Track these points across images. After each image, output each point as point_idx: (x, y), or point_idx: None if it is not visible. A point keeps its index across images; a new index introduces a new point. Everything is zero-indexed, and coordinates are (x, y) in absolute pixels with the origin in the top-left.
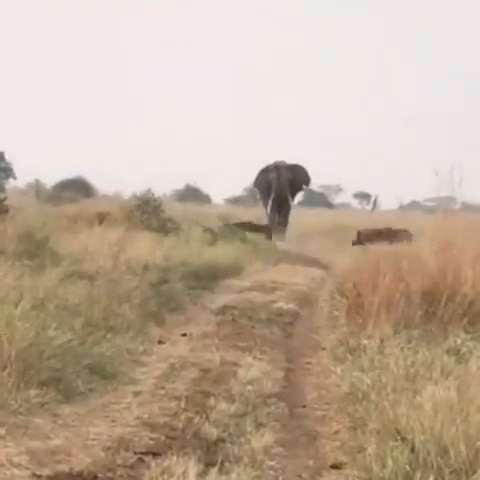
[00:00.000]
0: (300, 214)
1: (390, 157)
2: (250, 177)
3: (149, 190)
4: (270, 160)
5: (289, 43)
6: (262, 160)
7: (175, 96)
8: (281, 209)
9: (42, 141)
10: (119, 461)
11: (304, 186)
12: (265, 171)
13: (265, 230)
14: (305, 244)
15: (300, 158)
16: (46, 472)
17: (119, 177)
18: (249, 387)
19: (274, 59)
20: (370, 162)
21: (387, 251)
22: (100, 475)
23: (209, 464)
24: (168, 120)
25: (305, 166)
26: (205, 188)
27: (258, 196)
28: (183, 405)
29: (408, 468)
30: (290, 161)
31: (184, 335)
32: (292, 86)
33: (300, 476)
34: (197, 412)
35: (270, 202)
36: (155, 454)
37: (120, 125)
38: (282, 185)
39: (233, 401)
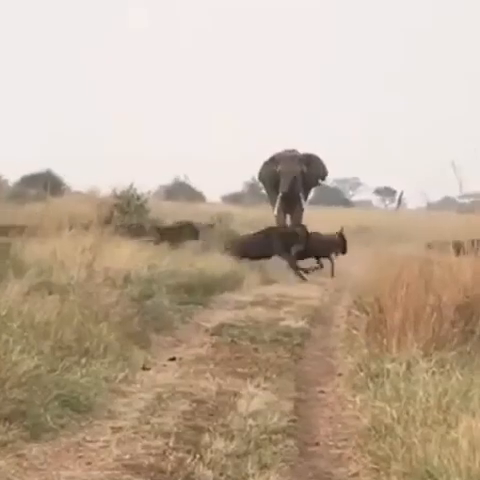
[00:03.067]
0: (310, 214)
1: (417, 145)
2: (251, 170)
3: (131, 186)
4: (276, 149)
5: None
6: (265, 150)
7: (159, 77)
8: (292, 210)
9: (3, 130)
10: None
11: (320, 181)
12: (272, 162)
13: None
14: None
15: (311, 147)
16: None
17: (95, 171)
18: (251, 421)
19: (281, 41)
20: (394, 151)
21: (414, 257)
22: None
23: None
24: (152, 105)
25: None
26: (198, 184)
27: (263, 191)
28: (172, 443)
29: None
30: (301, 150)
31: (173, 359)
32: (299, 67)
33: None
34: (189, 451)
35: (278, 201)
36: None
37: (96, 111)
38: (293, 180)
39: (232, 438)
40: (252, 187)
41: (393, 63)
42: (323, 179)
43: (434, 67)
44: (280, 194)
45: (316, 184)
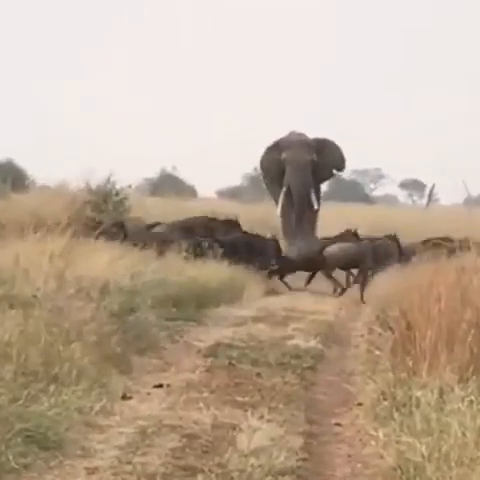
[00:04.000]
0: (322, 212)
1: (451, 131)
2: (252, 160)
3: (108, 180)
4: (281, 133)
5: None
6: (271, 136)
7: (144, 55)
8: (301, 215)
9: None
10: None
11: (335, 172)
12: (275, 148)
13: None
14: None
15: (323, 133)
16: None
17: (64, 162)
18: (253, 460)
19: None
20: (423, 138)
21: (446, 265)
22: None
23: None
24: (135, 86)
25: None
26: (188, 176)
27: (264, 185)
28: None
29: None
30: (312, 135)
31: (160, 386)
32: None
33: None
34: None
35: (282, 196)
36: None
37: (66, 92)
38: (302, 171)
39: None
40: (254, 180)
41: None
42: (340, 169)
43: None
44: (284, 188)
45: (329, 176)
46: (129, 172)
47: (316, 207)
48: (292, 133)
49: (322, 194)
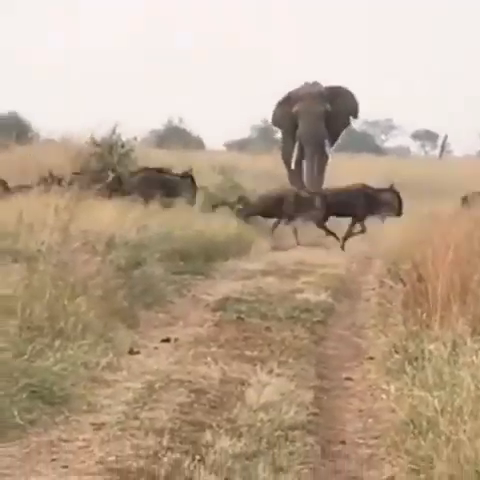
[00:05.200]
0: (334, 163)
1: (466, 81)
2: (262, 111)
3: (113, 131)
4: (293, 85)
5: None
6: (279, 88)
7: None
8: (312, 163)
9: None
10: None
11: (351, 118)
12: (287, 101)
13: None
14: None
15: (334, 82)
16: None
17: (69, 114)
18: (262, 415)
19: None
20: (436, 87)
21: (460, 215)
22: None
23: None
24: (137, 32)
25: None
26: (195, 128)
27: (278, 136)
28: (166, 442)
29: None
30: (326, 83)
31: (167, 341)
32: None
33: None
34: (187, 452)
35: (296, 150)
36: None
37: (69, 43)
38: (315, 123)
39: (239, 436)
40: (263, 132)
41: None
42: (355, 116)
43: None
44: (297, 142)
45: (346, 125)
46: (135, 124)
47: (329, 157)
48: (304, 84)
49: (333, 146)
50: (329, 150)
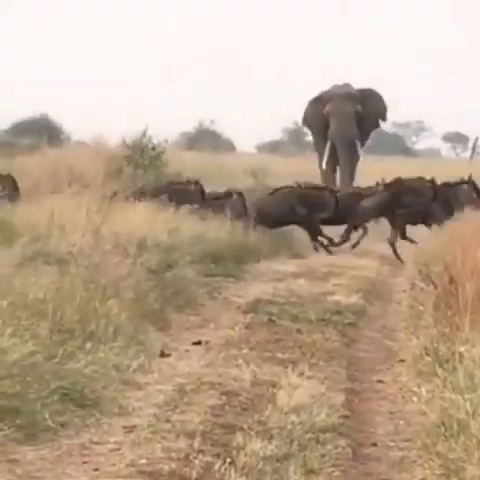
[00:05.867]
0: (363, 166)
1: None
2: (293, 113)
3: (144, 134)
4: (324, 85)
5: None
6: (310, 88)
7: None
8: (345, 162)
9: None
10: None
11: (381, 121)
12: (318, 101)
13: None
14: None
15: (363, 84)
16: None
17: (101, 117)
18: (293, 417)
19: None
20: (466, 90)
21: None
22: None
23: None
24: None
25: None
26: (226, 130)
27: (308, 139)
28: (197, 445)
29: None
30: (356, 85)
31: (198, 343)
32: None
33: None
34: (218, 455)
35: (327, 151)
36: None
37: (103, 45)
38: (346, 123)
39: (270, 438)
40: (294, 134)
41: None
42: (384, 119)
43: None
44: (329, 142)
45: (376, 126)
46: (166, 127)
47: (359, 155)
48: (335, 85)
49: (364, 147)
50: (360, 151)
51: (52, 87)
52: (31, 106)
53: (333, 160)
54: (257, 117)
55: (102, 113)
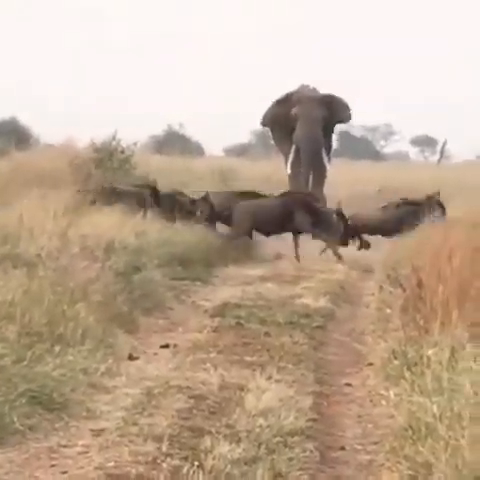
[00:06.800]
0: (332, 170)
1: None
2: (259, 116)
3: (113, 137)
4: (289, 87)
5: None
6: (274, 91)
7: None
8: (309, 166)
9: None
10: None
11: (341, 122)
12: (286, 102)
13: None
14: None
15: (330, 89)
16: None
17: (69, 120)
18: (261, 421)
19: None
20: (434, 94)
21: (460, 221)
22: None
23: None
24: (140, 48)
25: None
26: (195, 134)
27: (271, 141)
28: (165, 448)
29: None
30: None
31: (166, 347)
32: None
33: None
34: (186, 458)
35: (292, 154)
36: None
37: (72, 49)
38: (313, 129)
39: (238, 441)
40: (262, 137)
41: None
42: (345, 121)
43: None
44: (294, 146)
45: (333, 130)
46: (135, 131)
47: (328, 166)
48: (303, 87)
49: (332, 151)
50: (327, 159)
51: (21, 91)
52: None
53: (298, 163)
54: (225, 120)
55: (72, 115)
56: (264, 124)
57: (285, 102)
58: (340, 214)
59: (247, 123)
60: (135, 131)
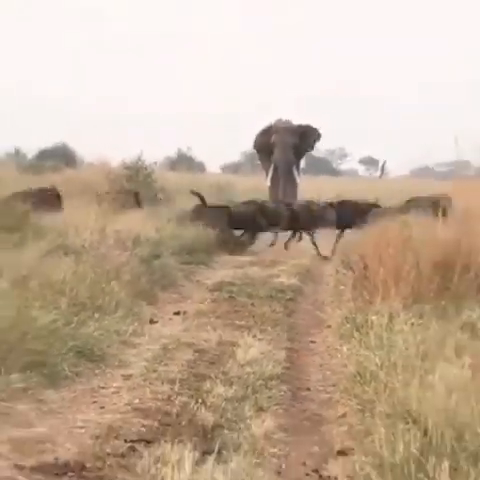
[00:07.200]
0: (301, 184)
1: (399, 119)
2: (248, 141)
3: (139, 158)
4: (270, 119)
5: None
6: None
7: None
8: (285, 184)
9: (21, 106)
10: (109, 450)
11: (309, 149)
12: (266, 132)
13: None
14: None
15: (300, 120)
16: (30, 462)
17: (106, 144)
18: (248, 369)
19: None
20: (377, 124)
21: (397, 219)
22: (88, 465)
23: (206, 452)
24: (153, 77)
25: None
26: (199, 155)
27: (258, 162)
28: (177, 389)
29: (420, 453)
30: (297, 121)
31: (177, 314)
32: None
33: (304, 464)
34: (192, 396)
35: (271, 171)
36: (147, 442)
37: (102, 91)
38: (286, 153)
39: (231, 384)
40: (250, 157)
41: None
42: (312, 148)
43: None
44: (272, 165)
45: (304, 154)
46: (154, 152)
47: (298, 181)
48: (279, 121)
49: (300, 169)
50: (297, 173)
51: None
52: (53, 136)
53: (276, 178)
54: (222, 144)
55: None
56: (254, 148)
57: (267, 132)
58: (290, 209)
59: (240, 145)
60: (153, 151)
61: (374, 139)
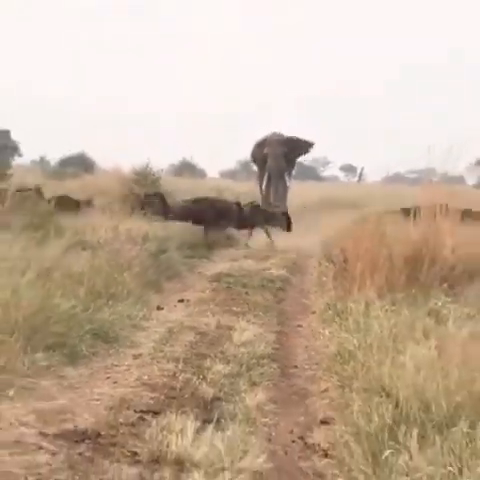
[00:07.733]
0: (291, 188)
1: (377, 129)
2: (243, 149)
3: (147, 165)
4: (265, 131)
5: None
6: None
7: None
8: (277, 188)
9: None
10: (121, 419)
11: (300, 156)
12: (261, 145)
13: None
14: (300, 217)
15: (288, 130)
16: (52, 430)
17: (119, 152)
18: (243, 349)
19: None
20: (356, 133)
21: (371, 219)
22: (103, 433)
23: (206, 421)
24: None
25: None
26: (200, 163)
27: (254, 168)
28: (181, 366)
29: (392, 422)
30: (286, 133)
31: (181, 301)
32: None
33: (291, 432)
34: (194, 373)
35: (265, 179)
36: (155, 413)
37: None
38: (278, 161)
39: (228, 362)
40: (244, 165)
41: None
42: (302, 154)
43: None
44: (267, 173)
45: (295, 162)
46: (160, 159)
47: (288, 184)
48: (273, 134)
49: (291, 176)
50: (289, 179)
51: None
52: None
53: (269, 186)
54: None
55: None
56: (251, 157)
57: (261, 144)
58: (239, 206)
59: (236, 153)
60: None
61: (354, 148)
